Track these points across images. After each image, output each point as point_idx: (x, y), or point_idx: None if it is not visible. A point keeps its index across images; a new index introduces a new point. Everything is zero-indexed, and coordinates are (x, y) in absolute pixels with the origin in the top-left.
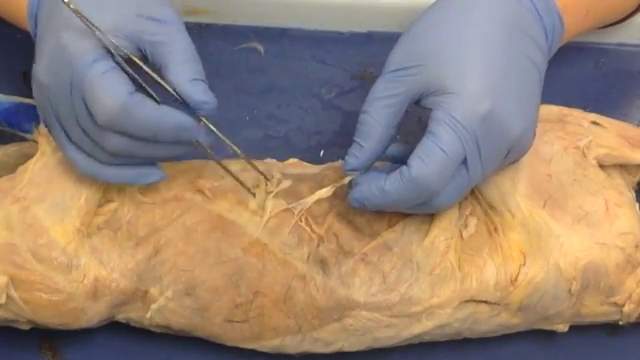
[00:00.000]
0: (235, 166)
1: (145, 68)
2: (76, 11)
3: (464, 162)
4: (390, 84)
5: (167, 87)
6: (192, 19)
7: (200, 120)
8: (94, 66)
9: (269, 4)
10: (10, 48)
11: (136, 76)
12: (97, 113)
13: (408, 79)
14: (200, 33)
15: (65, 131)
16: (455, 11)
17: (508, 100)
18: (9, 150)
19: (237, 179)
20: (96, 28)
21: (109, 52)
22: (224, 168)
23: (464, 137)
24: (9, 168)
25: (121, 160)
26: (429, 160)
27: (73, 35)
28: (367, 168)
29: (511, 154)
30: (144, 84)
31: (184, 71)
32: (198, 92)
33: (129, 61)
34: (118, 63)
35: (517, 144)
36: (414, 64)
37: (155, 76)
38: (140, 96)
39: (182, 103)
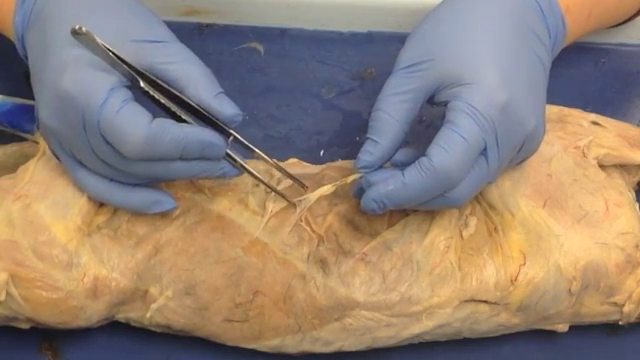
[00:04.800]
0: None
1: (172, 90)
2: (93, 40)
3: (483, 153)
4: (404, 80)
5: (193, 104)
6: (192, 19)
7: (229, 135)
8: (105, 106)
9: (269, 4)
10: (11, 48)
11: (157, 95)
12: (122, 150)
13: (422, 74)
14: (200, 33)
15: (78, 161)
16: (465, 7)
17: (522, 93)
18: (9, 150)
19: (275, 189)
20: (117, 57)
21: (115, 85)
22: (260, 180)
23: (484, 126)
24: (9, 168)
25: (147, 181)
26: (450, 148)
27: (73, 79)
28: (379, 167)
29: (523, 150)
30: (165, 102)
31: (206, 87)
32: (227, 106)
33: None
34: (138, 88)
35: (530, 138)
36: (427, 59)
37: (181, 95)
38: (160, 121)
39: (204, 119)
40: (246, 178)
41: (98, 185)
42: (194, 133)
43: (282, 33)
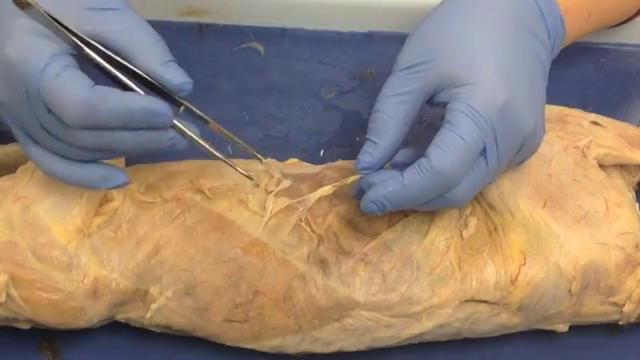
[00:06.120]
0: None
1: (121, 61)
2: (36, 8)
3: (483, 153)
4: (403, 81)
5: (142, 74)
6: (192, 19)
7: (181, 105)
8: (46, 71)
9: (269, 4)
10: None
11: (104, 63)
12: (62, 115)
13: (421, 75)
14: (200, 33)
15: (30, 137)
16: (464, 8)
17: (521, 93)
18: (9, 150)
19: (231, 164)
20: (60, 24)
21: (57, 52)
22: (211, 153)
23: (483, 127)
24: (9, 168)
25: (96, 155)
26: (449, 149)
27: (15, 46)
28: (378, 168)
29: (522, 150)
30: (112, 70)
31: (154, 55)
32: (175, 74)
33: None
34: (84, 57)
35: (529, 139)
36: (426, 60)
37: (130, 66)
38: (101, 88)
39: (156, 90)
40: (247, 179)
41: (50, 161)
42: (137, 101)
43: (282, 33)
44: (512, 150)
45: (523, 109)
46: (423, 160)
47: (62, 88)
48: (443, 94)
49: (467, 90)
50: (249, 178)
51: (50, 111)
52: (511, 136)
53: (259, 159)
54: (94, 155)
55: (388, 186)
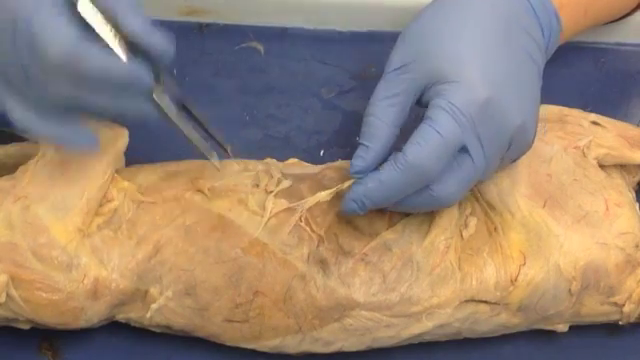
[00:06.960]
0: (235, 166)
1: (105, 15)
2: None
3: (465, 150)
4: (391, 83)
5: (122, 32)
6: (192, 19)
7: (160, 79)
8: (40, 10)
9: (269, 4)
10: None
11: (94, 20)
12: (47, 54)
13: (408, 76)
14: (200, 33)
15: (7, 82)
16: (452, 7)
17: (507, 91)
18: (9, 150)
19: (198, 147)
20: None
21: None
22: (182, 133)
23: (462, 122)
24: (9, 168)
25: (70, 112)
26: (425, 143)
27: None
28: (372, 170)
29: (512, 148)
30: (100, 28)
31: (139, 17)
32: (158, 38)
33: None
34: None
35: (518, 136)
36: (413, 60)
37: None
38: (89, 42)
39: (134, 52)
40: (246, 179)
41: (22, 111)
42: (118, 62)
43: (282, 33)
44: (500, 147)
45: (508, 106)
46: (399, 155)
47: (53, 28)
48: (428, 93)
49: (449, 87)
50: (215, 167)
51: (33, 52)
52: (496, 133)
53: (224, 149)
54: (68, 112)
55: (367, 183)
